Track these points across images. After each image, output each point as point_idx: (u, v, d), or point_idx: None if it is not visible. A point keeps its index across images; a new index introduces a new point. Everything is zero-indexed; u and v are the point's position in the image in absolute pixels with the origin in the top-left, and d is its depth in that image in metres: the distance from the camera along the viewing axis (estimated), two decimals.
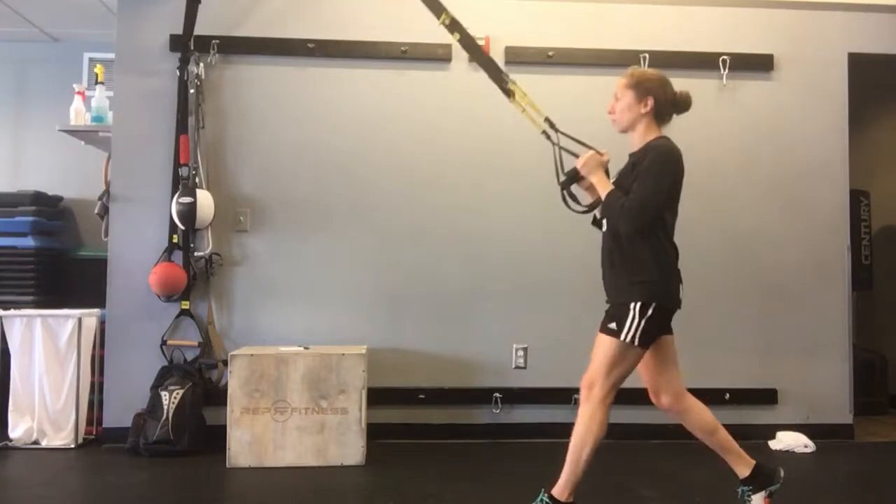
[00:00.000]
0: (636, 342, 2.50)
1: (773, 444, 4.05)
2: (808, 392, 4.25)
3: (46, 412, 3.90)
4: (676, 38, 4.30)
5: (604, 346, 2.55)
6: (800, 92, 4.35)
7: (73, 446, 3.89)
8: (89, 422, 4.03)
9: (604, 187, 2.63)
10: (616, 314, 2.55)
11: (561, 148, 2.88)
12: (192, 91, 4.08)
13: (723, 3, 4.31)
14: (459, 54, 4.21)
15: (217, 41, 4.10)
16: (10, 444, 3.88)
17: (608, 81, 4.25)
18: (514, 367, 4.16)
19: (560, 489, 2.55)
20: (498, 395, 4.12)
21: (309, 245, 4.15)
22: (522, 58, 4.24)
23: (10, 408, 3.92)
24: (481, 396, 4.13)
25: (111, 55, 4.22)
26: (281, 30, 4.16)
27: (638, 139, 2.67)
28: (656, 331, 2.55)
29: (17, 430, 3.90)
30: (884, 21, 4.39)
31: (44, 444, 3.88)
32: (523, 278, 4.20)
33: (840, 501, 3.22)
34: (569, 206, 2.76)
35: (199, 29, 4.04)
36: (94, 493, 3.27)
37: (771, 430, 4.11)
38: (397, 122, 4.22)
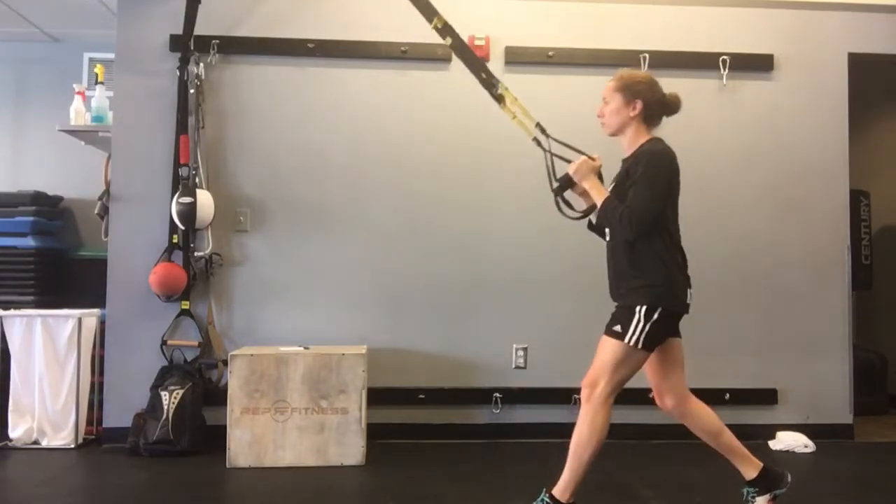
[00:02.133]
0: (640, 345, 2.49)
1: (773, 444, 4.05)
2: (808, 392, 4.25)
3: (46, 412, 3.90)
4: (676, 38, 4.30)
5: (608, 348, 2.54)
6: (800, 92, 4.35)
7: (73, 446, 3.89)
8: (89, 422, 4.03)
9: (598, 193, 2.62)
10: (621, 317, 2.54)
11: (552, 154, 2.87)
12: (192, 91, 4.08)
13: (723, 3, 4.31)
14: None
15: (217, 41, 4.10)
16: (10, 444, 3.88)
17: (608, 81, 4.29)
18: (514, 367, 4.16)
19: (561, 490, 2.55)
20: (498, 395, 4.12)
21: (309, 245, 4.15)
22: (522, 58, 4.24)
23: (10, 408, 3.92)
24: (481, 396, 4.13)
25: (111, 55, 4.23)
26: (281, 30, 4.16)
27: (628, 143, 2.66)
28: (661, 334, 2.54)
29: (17, 430, 3.90)
30: (884, 21, 4.39)
31: (44, 444, 3.88)
32: (523, 278, 4.20)
33: (840, 501, 3.22)
34: (563, 213, 2.76)
35: (199, 29, 4.04)
36: (94, 493, 3.27)
37: (771, 430, 4.11)
38: (397, 122, 4.22)
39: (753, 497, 2.67)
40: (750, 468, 2.68)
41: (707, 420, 2.70)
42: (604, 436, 2.53)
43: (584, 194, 2.71)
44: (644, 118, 2.63)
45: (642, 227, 2.50)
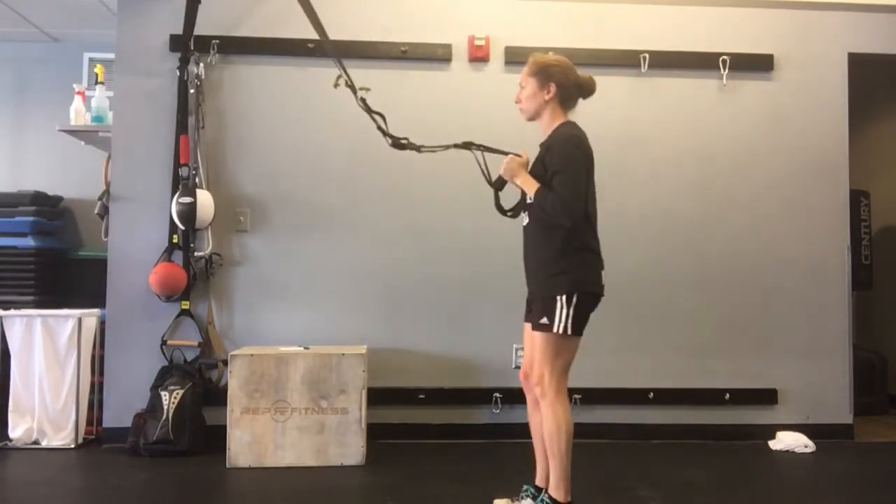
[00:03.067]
0: (570, 331, 2.53)
1: (773, 444, 4.05)
2: (808, 392, 4.25)
3: (46, 412, 3.90)
4: (676, 38, 4.29)
5: (541, 342, 2.57)
6: (800, 92, 4.35)
7: (73, 446, 3.89)
8: (89, 422, 4.03)
9: (530, 186, 2.66)
10: (545, 309, 2.56)
11: (486, 150, 2.91)
12: (192, 91, 4.08)
13: (723, 3, 4.31)
14: (459, 54, 4.21)
15: (217, 41, 4.10)
16: (10, 444, 3.88)
17: (608, 81, 4.29)
18: (514, 367, 4.16)
19: (555, 487, 2.57)
20: (498, 395, 4.12)
21: (309, 245, 4.15)
22: (522, 58, 4.17)
23: (10, 408, 3.92)
24: (481, 396, 4.13)
25: (111, 55, 4.23)
26: (281, 30, 4.16)
27: (545, 126, 2.69)
28: (586, 316, 2.57)
29: (17, 430, 3.90)
30: (884, 21, 4.39)
31: (44, 444, 3.88)
32: (523, 278, 4.18)
33: (840, 501, 3.22)
34: (501, 212, 2.86)
35: (199, 29, 4.04)
36: (94, 493, 3.27)
37: (771, 430, 4.11)
38: (397, 122, 4.20)
39: (527, 496, 2.72)
40: (544, 479, 2.70)
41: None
42: (570, 424, 2.56)
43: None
44: (559, 101, 2.66)
45: (574, 213, 2.53)
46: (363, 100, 3.08)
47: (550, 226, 2.57)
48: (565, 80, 2.66)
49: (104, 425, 4.01)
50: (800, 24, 4.36)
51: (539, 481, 2.74)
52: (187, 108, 4.08)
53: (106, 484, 3.34)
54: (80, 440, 3.94)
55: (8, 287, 4.45)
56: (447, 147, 2.99)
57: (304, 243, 4.15)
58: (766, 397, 4.23)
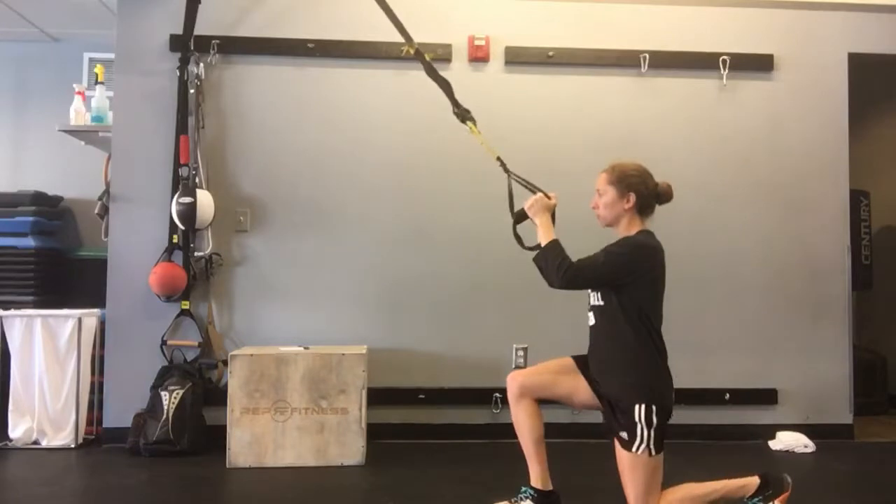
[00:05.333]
0: (652, 452, 2.48)
1: (773, 444, 4.05)
2: (808, 392, 4.25)
3: (46, 412, 3.90)
4: (676, 38, 4.29)
5: (627, 469, 2.51)
6: (800, 92, 4.35)
7: (73, 446, 3.89)
8: (89, 422, 4.03)
9: (546, 232, 2.67)
10: (624, 422, 2.50)
11: (517, 181, 2.95)
12: (192, 91, 4.08)
13: (723, 3, 4.31)
14: (459, 54, 4.21)
15: (217, 41, 4.10)
16: (10, 444, 3.88)
17: (608, 81, 4.31)
18: (514, 367, 4.16)
19: (743, 490, 2.61)
20: (498, 395, 4.12)
21: (309, 245, 4.15)
22: (522, 58, 4.24)
23: (10, 408, 3.92)
24: (481, 396, 4.13)
25: (111, 55, 4.22)
26: (281, 30, 4.17)
27: (622, 233, 2.67)
28: (663, 432, 2.51)
29: (17, 430, 3.90)
30: (884, 21, 4.39)
31: (44, 444, 3.88)
32: (523, 278, 4.18)
33: (840, 501, 3.22)
34: (519, 244, 2.86)
35: (199, 29, 4.04)
36: (94, 493, 3.27)
37: (771, 430, 4.11)
38: (397, 122, 4.22)
39: (525, 498, 2.73)
40: (540, 478, 2.72)
41: (538, 421, 2.72)
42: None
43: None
44: (638, 209, 2.64)
45: (571, 283, 2.54)
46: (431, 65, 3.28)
47: (620, 329, 2.54)
48: (644, 189, 2.63)
49: (104, 425, 4.01)
50: (800, 24, 4.36)
51: (535, 484, 2.73)
52: (187, 108, 4.08)
53: (106, 484, 3.34)
54: (80, 440, 3.94)
55: (8, 287, 4.44)
56: (494, 155, 3.06)
57: (304, 243, 4.15)
58: (766, 397, 4.23)
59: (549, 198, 2.75)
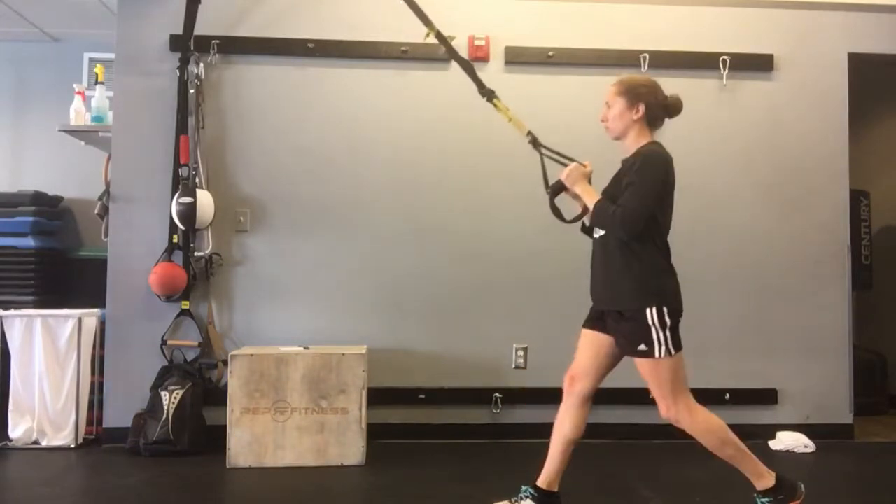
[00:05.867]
0: (672, 351, 2.51)
1: (773, 444, 4.05)
2: (808, 392, 4.25)
3: (46, 412, 3.90)
4: (676, 38, 4.29)
5: (649, 372, 2.54)
6: (800, 92, 4.35)
7: (73, 446, 3.89)
8: (89, 422, 4.03)
9: (590, 197, 2.66)
10: (636, 331, 2.52)
11: (548, 156, 2.92)
12: (192, 91, 4.08)
13: (723, 3, 4.31)
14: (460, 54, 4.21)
15: (217, 41, 4.10)
16: (10, 444, 3.88)
17: (608, 81, 4.28)
18: (514, 367, 4.16)
19: (757, 481, 2.64)
20: (498, 395, 4.12)
21: (309, 245, 4.15)
22: (522, 58, 4.24)
23: (10, 408, 3.92)
24: (481, 396, 4.13)
25: (111, 55, 4.22)
26: (281, 30, 4.17)
27: (630, 145, 2.68)
28: (678, 331, 2.55)
29: (17, 430, 3.90)
30: (884, 21, 4.39)
31: (44, 444, 3.88)
32: (523, 278, 4.20)
33: (840, 501, 3.22)
34: (558, 217, 2.82)
35: (199, 29, 4.03)
36: (94, 493, 3.26)
37: (771, 430, 4.12)
38: (397, 122, 4.22)
39: (525, 498, 2.73)
40: (550, 480, 2.72)
41: (578, 425, 2.72)
42: (720, 425, 2.62)
43: (578, 198, 2.75)
44: (647, 121, 2.65)
45: (634, 227, 2.52)
46: (453, 48, 3.30)
47: (631, 239, 2.55)
48: (654, 100, 2.65)
49: (104, 425, 4.01)
50: (800, 24, 4.36)
51: (542, 482, 2.72)
52: (187, 108, 4.08)
53: (106, 484, 3.34)
54: (80, 440, 3.94)
55: (8, 287, 4.45)
56: (523, 129, 3.00)
57: (304, 243, 4.15)
58: (766, 397, 4.23)
59: (584, 166, 2.74)
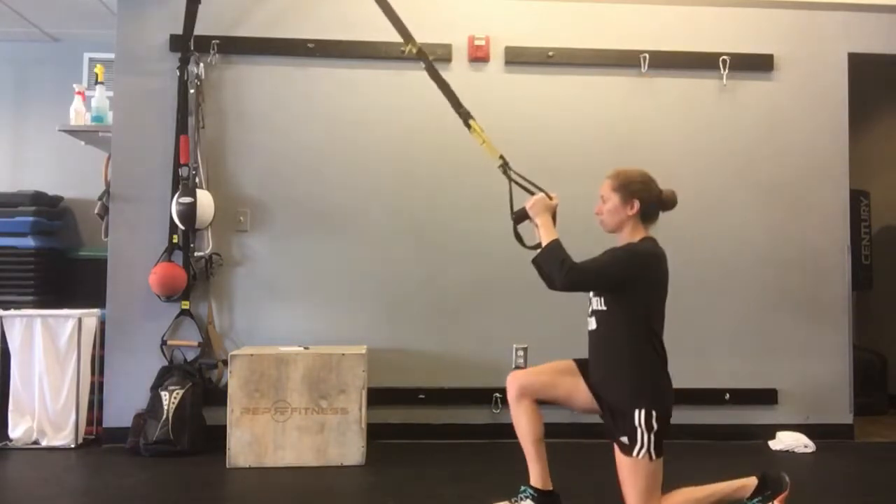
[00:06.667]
0: (652, 456, 2.49)
1: (773, 444, 4.05)
2: (808, 392, 4.25)
3: (46, 412, 3.90)
4: (676, 38, 4.29)
5: (627, 472, 2.52)
6: (800, 92, 4.35)
7: (73, 446, 3.89)
8: (89, 422, 4.03)
9: (547, 232, 2.66)
10: (624, 426, 2.51)
11: (517, 183, 2.97)
12: (192, 91, 4.08)
13: (723, 3, 4.31)
14: (459, 54, 4.21)
15: (217, 41, 4.10)
16: (10, 444, 3.88)
17: (608, 81, 4.31)
18: (514, 367, 4.16)
19: (743, 491, 2.63)
20: (498, 395, 4.12)
21: (309, 245, 4.15)
22: (522, 58, 4.24)
23: (10, 408, 3.92)
24: (481, 396, 4.13)
25: (111, 55, 4.22)
26: (281, 30, 4.17)
27: (624, 240, 2.67)
28: (664, 436, 2.52)
29: (17, 430, 3.90)
30: (884, 21, 4.39)
31: (44, 444, 3.88)
32: (523, 278, 4.16)
33: (840, 501, 3.22)
34: (520, 243, 2.85)
35: (199, 29, 4.03)
36: (94, 493, 3.26)
37: (771, 430, 4.11)
38: (397, 122, 4.22)
39: (525, 498, 2.73)
40: (540, 478, 2.72)
41: (537, 420, 2.71)
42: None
43: (538, 229, 2.75)
44: (641, 217, 2.64)
45: (573, 283, 2.54)
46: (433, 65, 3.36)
47: (621, 335, 2.55)
48: (648, 195, 2.63)
49: (104, 425, 4.01)
50: (800, 24, 4.36)
51: (535, 483, 2.73)
52: (187, 108, 4.08)
53: (106, 484, 3.34)
54: (80, 440, 3.94)
55: (8, 287, 4.45)
56: (495, 153, 3.06)
57: (304, 243, 4.15)
58: (766, 397, 4.23)
59: (550, 198, 2.75)
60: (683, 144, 4.30)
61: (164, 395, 3.81)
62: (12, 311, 4.01)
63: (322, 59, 4.18)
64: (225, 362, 3.89)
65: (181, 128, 4.05)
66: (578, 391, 2.68)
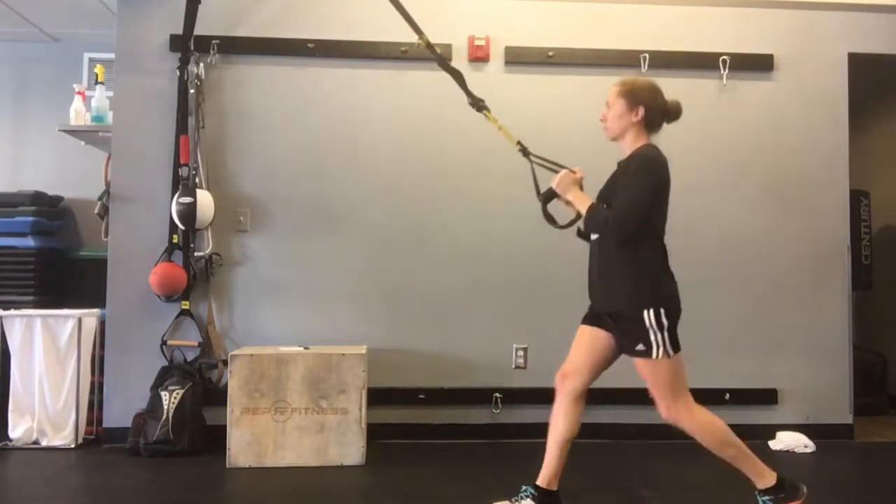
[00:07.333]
0: (670, 353, 2.52)
1: (773, 444, 4.05)
2: (808, 392, 4.25)
3: (46, 412, 3.90)
4: (676, 38, 4.29)
5: (649, 372, 2.56)
6: (800, 92, 4.35)
7: (73, 446, 3.89)
8: (89, 422, 4.03)
9: (581, 202, 2.67)
10: (635, 333, 2.53)
11: (538, 164, 2.96)
12: (192, 91, 4.08)
13: (723, 3, 4.31)
14: (459, 54, 4.21)
15: (217, 41, 4.10)
16: (10, 444, 3.88)
17: (608, 81, 4.26)
18: (514, 367, 4.16)
19: (758, 480, 2.63)
20: (498, 395, 4.12)
21: (309, 245, 4.15)
22: (522, 58, 4.24)
23: (10, 408, 3.92)
24: (481, 396, 4.13)
25: (111, 55, 4.22)
26: (281, 30, 4.17)
27: (627, 146, 2.70)
28: (676, 332, 2.56)
29: (17, 430, 3.90)
30: (884, 21, 4.39)
31: (44, 444, 3.88)
32: (523, 278, 4.20)
33: (840, 501, 3.22)
34: (551, 224, 2.84)
35: (199, 29, 4.04)
36: (94, 493, 3.27)
37: (771, 430, 4.12)
38: (397, 122, 4.22)
39: (525, 497, 2.74)
40: (549, 478, 2.73)
41: (573, 423, 2.73)
42: (723, 425, 2.64)
43: (570, 205, 2.75)
44: (645, 124, 2.67)
45: (626, 230, 2.54)
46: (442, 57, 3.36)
47: (625, 242, 2.57)
48: (654, 103, 2.66)
49: (104, 425, 4.01)
50: (800, 24, 4.36)
51: (541, 481, 2.73)
52: (187, 108, 4.08)
53: (106, 484, 3.34)
54: (80, 440, 3.94)
55: (8, 287, 4.45)
56: (512, 139, 3.05)
57: (304, 243, 4.15)
58: (766, 397, 4.23)
59: (574, 172, 2.76)
60: (683, 144, 4.29)
61: (164, 395, 3.81)
62: (12, 311, 4.01)
63: (322, 59, 4.18)
64: (225, 362, 3.89)
65: (181, 128, 4.05)
66: (601, 339, 2.68)
